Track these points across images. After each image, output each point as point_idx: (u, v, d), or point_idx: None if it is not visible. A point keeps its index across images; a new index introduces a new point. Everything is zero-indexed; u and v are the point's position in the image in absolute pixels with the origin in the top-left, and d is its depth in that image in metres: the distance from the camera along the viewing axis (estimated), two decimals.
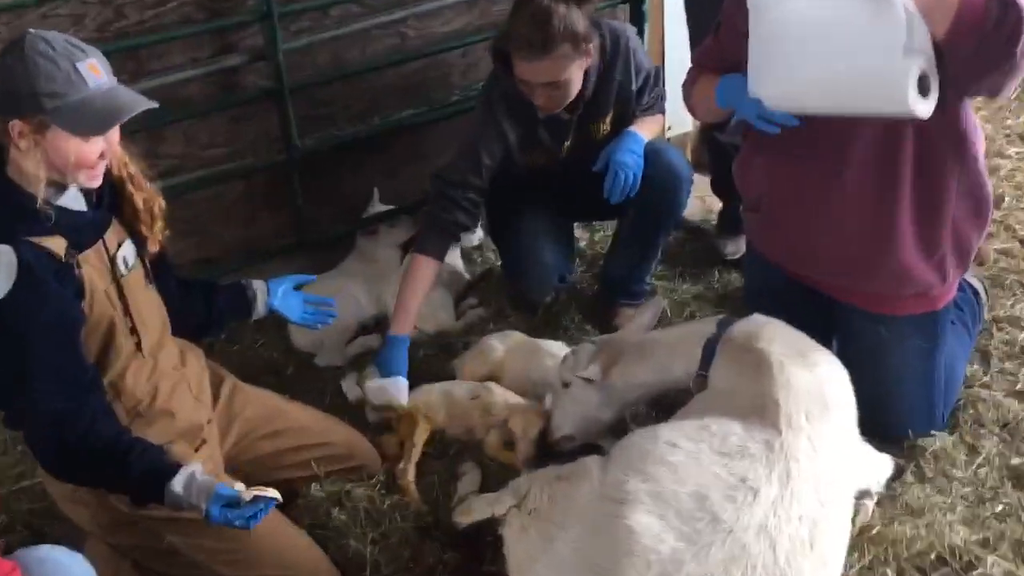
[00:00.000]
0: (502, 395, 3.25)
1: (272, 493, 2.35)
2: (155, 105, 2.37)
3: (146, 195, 2.58)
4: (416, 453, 3.14)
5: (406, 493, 3.02)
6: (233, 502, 2.33)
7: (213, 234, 3.97)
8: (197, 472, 2.37)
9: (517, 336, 3.61)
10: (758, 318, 2.73)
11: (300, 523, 2.88)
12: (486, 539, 2.75)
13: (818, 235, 2.90)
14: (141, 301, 2.57)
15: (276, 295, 3.06)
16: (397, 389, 3.31)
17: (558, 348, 3.44)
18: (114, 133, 2.38)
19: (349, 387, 3.55)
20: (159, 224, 2.62)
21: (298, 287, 3.15)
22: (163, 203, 2.63)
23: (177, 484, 2.34)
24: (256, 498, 2.34)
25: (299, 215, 4.04)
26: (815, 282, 3.06)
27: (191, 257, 3.89)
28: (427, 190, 3.64)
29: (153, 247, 2.62)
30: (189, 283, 2.94)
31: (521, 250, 3.82)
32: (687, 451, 2.33)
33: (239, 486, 2.37)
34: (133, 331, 2.55)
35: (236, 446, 2.91)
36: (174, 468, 2.37)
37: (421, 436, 3.18)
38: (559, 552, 2.31)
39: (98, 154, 2.35)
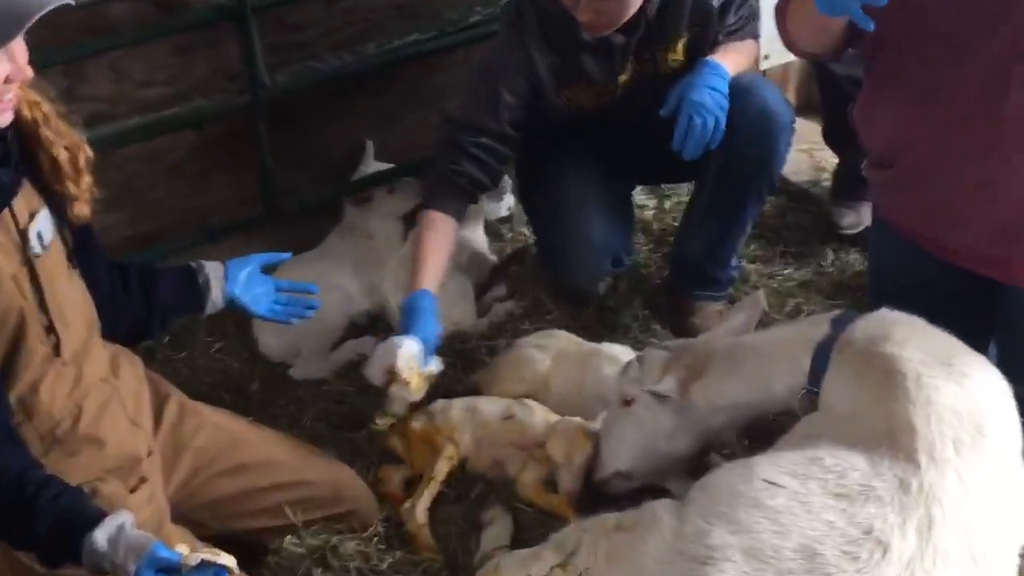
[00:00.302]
0: (544, 416, 3.27)
1: (226, 560, 2.34)
2: (70, 2, 2.34)
3: (68, 142, 2.59)
4: (434, 488, 3.16)
5: (415, 541, 3.03)
6: (172, 568, 2.33)
7: (152, 203, 4.01)
8: (127, 524, 2.38)
9: (563, 338, 3.62)
10: (887, 314, 2.70)
11: None
12: None
13: (973, 192, 2.88)
14: (61, 290, 2.59)
15: (237, 281, 3.08)
16: (408, 350, 3.21)
17: (623, 353, 3.44)
18: (21, 50, 2.38)
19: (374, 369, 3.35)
20: (87, 179, 2.63)
21: (266, 270, 3.18)
22: (91, 153, 2.65)
23: (100, 537, 2.33)
24: (204, 563, 2.33)
25: (267, 177, 4.06)
26: (967, 260, 3.04)
27: (122, 234, 3.93)
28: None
29: (82, 210, 2.63)
30: (123, 268, 2.96)
31: (561, 225, 3.82)
32: (792, 492, 2.31)
33: (182, 548, 2.37)
34: (50, 330, 2.56)
35: (186, 486, 2.92)
36: (97, 517, 2.38)
37: (444, 466, 3.20)
38: None
39: (2, 78, 2.36)
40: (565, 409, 3.34)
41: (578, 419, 3.19)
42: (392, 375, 3.18)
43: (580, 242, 3.79)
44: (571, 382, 3.45)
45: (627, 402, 3.02)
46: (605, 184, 3.86)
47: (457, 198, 3.57)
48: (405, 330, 3.27)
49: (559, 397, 3.42)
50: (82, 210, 2.63)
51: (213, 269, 3.05)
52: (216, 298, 3.04)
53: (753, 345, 2.91)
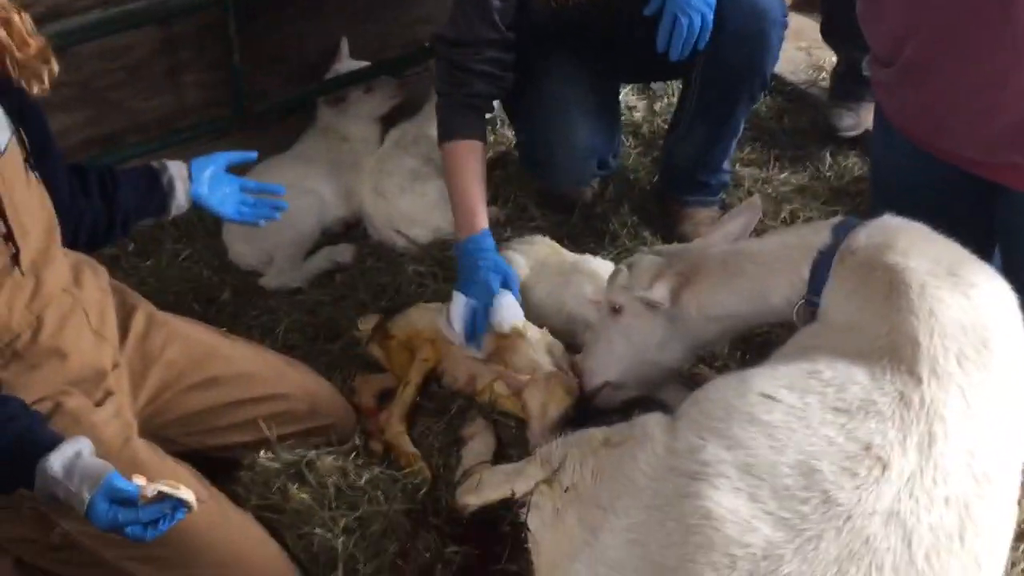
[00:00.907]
0: (522, 335, 3.24)
1: (185, 493, 2.33)
2: None
3: (32, 48, 2.52)
4: (411, 392, 3.17)
5: (393, 450, 3.04)
6: (128, 499, 2.32)
7: (113, 104, 3.95)
8: (85, 451, 2.37)
9: (545, 246, 3.60)
10: (890, 221, 2.69)
11: (244, 505, 2.91)
12: (502, 528, 2.79)
13: (983, 92, 2.86)
14: (19, 196, 2.55)
15: (201, 181, 3.05)
16: (511, 306, 3.25)
17: (605, 268, 3.42)
18: None
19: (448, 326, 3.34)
20: (51, 67, 2.55)
21: (231, 169, 3.14)
22: (56, 65, 2.57)
23: (54, 463, 2.32)
24: (162, 496, 2.32)
25: (236, 76, 4.00)
26: (975, 164, 3.03)
27: (80, 136, 3.88)
28: (417, 39, 3.60)
29: (39, 88, 2.55)
30: (82, 170, 2.92)
31: (544, 126, 3.79)
32: (789, 407, 2.31)
33: (139, 479, 2.35)
34: (8, 238, 2.53)
35: (155, 401, 2.92)
36: (53, 442, 2.36)
37: (420, 368, 3.20)
38: (607, 546, 2.31)
39: None
40: (542, 324, 3.33)
41: (559, 373, 3.14)
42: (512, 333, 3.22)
43: (564, 143, 3.76)
44: (550, 297, 3.45)
45: (616, 310, 3.01)
46: (590, 84, 3.82)
47: (476, 118, 3.55)
48: (475, 275, 3.28)
49: (536, 309, 3.40)
50: (39, 89, 2.55)
51: (176, 169, 3.02)
52: (180, 199, 3.02)
53: (750, 253, 2.89)
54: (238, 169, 3.22)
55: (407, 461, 3.03)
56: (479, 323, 3.23)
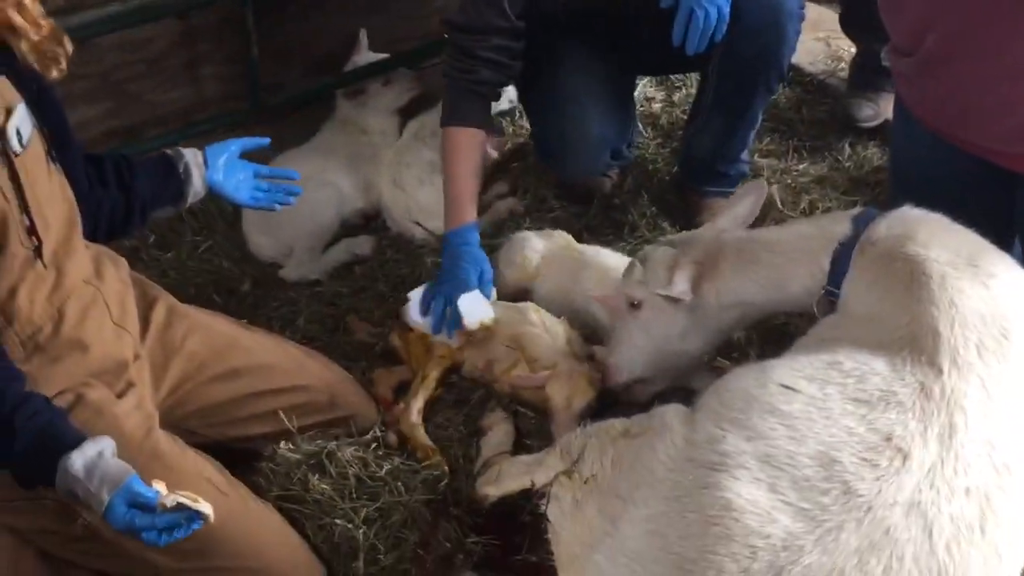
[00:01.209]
0: (541, 322, 3.24)
1: (204, 507, 2.34)
2: None
3: (45, 29, 2.51)
4: (428, 387, 3.17)
5: (410, 443, 3.05)
6: (147, 504, 2.32)
7: (132, 96, 3.96)
8: (107, 451, 2.37)
9: (562, 240, 3.60)
10: (910, 212, 2.68)
11: (265, 496, 2.92)
12: (522, 518, 2.78)
13: (1002, 84, 2.84)
14: (41, 190, 2.56)
15: (216, 167, 3.05)
16: (478, 302, 3.27)
17: (617, 261, 3.41)
18: None
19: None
20: (65, 48, 2.54)
21: (245, 155, 3.15)
22: (70, 45, 2.58)
23: (76, 461, 2.32)
24: (180, 507, 2.33)
25: (254, 69, 4.01)
26: (995, 154, 3.01)
27: (100, 128, 3.89)
28: (435, 31, 3.60)
29: (56, 72, 2.54)
30: (98, 159, 2.92)
31: (556, 115, 3.78)
32: (809, 397, 2.30)
33: (160, 486, 2.36)
34: (31, 232, 2.53)
35: (175, 392, 2.93)
36: (76, 440, 2.37)
37: (436, 366, 3.21)
38: (626, 536, 2.31)
39: None
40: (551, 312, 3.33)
41: (581, 366, 3.14)
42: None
43: (576, 133, 3.76)
44: (559, 285, 3.46)
45: (634, 305, 3.00)
46: (603, 74, 3.81)
47: (481, 106, 3.55)
48: (454, 268, 3.31)
49: (547, 298, 3.43)
50: (56, 73, 2.55)
51: (192, 156, 3.02)
52: (197, 186, 3.02)
53: (769, 242, 2.88)
54: (259, 159, 3.22)
55: (423, 454, 3.03)
56: (453, 316, 3.23)
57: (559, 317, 3.30)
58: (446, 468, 2.99)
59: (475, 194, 3.48)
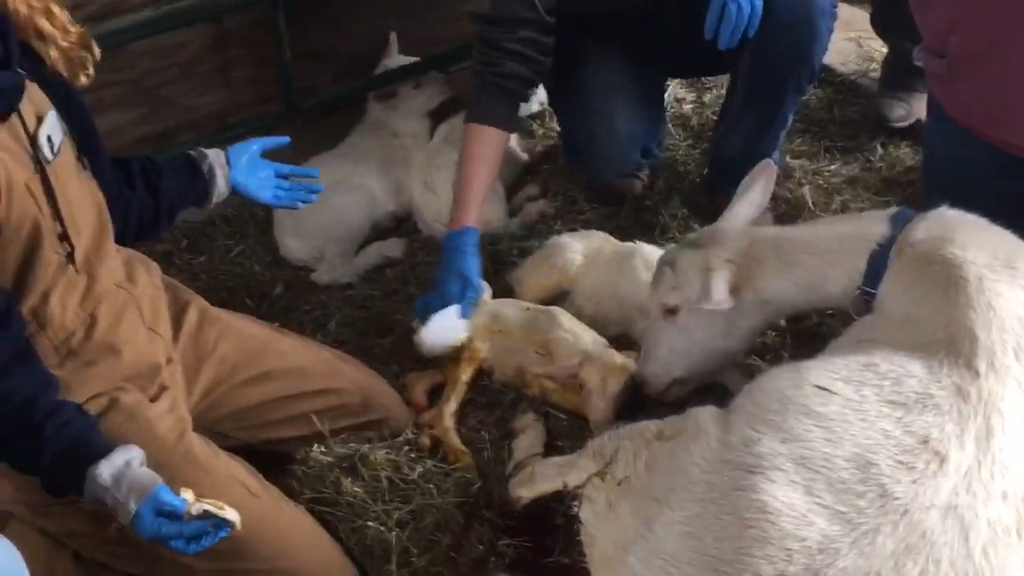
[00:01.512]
0: (571, 328, 3.22)
1: (231, 514, 2.35)
2: None
3: (73, 35, 2.53)
4: (460, 390, 3.17)
5: (442, 445, 3.04)
6: (174, 513, 2.33)
7: (165, 101, 3.97)
8: (136, 460, 2.38)
9: (599, 238, 3.58)
10: (947, 213, 2.66)
11: (297, 498, 2.91)
12: (555, 521, 2.78)
13: None
14: (73, 195, 2.56)
15: (239, 167, 3.06)
16: (449, 326, 3.28)
17: (657, 252, 3.36)
18: None
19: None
20: (93, 53, 2.58)
21: (266, 154, 3.15)
22: (97, 50, 2.60)
23: (104, 471, 2.33)
24: (206, 514, 2.34)
25: (286, 72, 4.01)
26: None
27: (133, 134, 3.90)
28: (466, 34, 3.60)
29: (84, 78, 2.58)
30: (125, 163, 2.92)
31: (583, 113, 3.78)
32: (845, 399, 2.29)
33: (187, 495, 2.37)
34: (63, 238, 2.54)
35: (209, 396, 2.93)
36: (104, 450, 2.37)
37: (468, 367, 3.21)
38: (661, 539, 2.29)
39: None
40: (596, 313, 3.33)
41: (610, 349, 3.15)
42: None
43: (604, 131, 3.75)
44: (603, 284, 3.42)
45: (670, 311, 2.97)
46: (634, 74, 3.81)
47: (505, 103, 3.53)
48: (441, 278, 3.33)
49: (590, 299, 3.40)
50: (81, 78, 2.58)
51: (215, 156, 3.03)
52: (221, 186, 3.03)
53: (805, 242, 2.86)
54: (291, 162, 3.23)
55: (455, 458, 3.03)
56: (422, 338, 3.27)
57: (603, 310, 3.32)
58: (476, 473, 2.98)
59: (480, 195, 3.47)
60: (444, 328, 3.25)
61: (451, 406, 3.15)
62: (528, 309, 3.31)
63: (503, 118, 3.50)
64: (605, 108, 3.73)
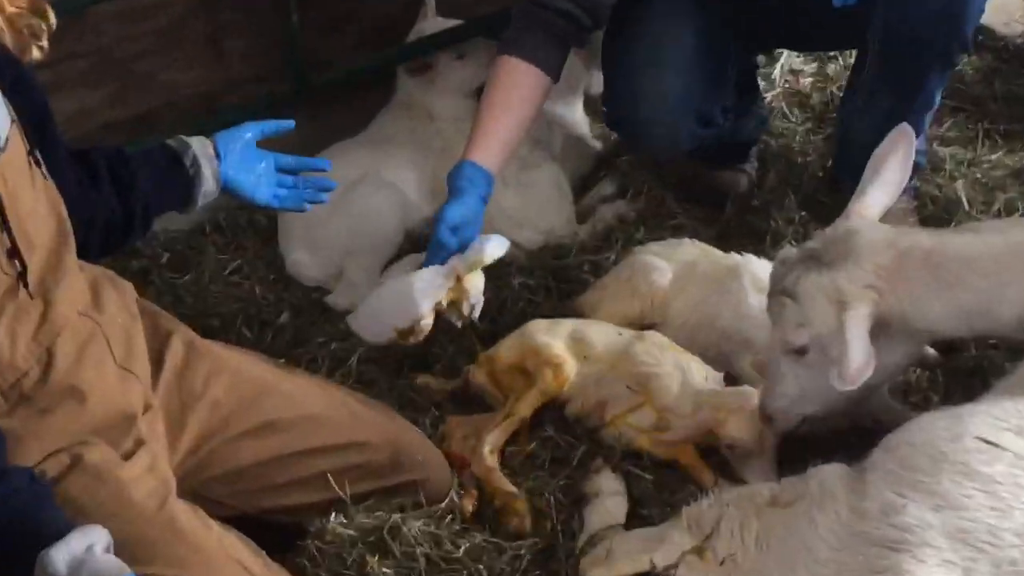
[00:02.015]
0: (674, 357, 3.23)
1: None
2: None
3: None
4: (512, 423, 3.19)
5: (486, 489, 3.08)
6: None
7: (141, 77, 4.02)
8: (99, 545, 2.37)
9: (693, 249, 3.58)
10: None
11: None
12: None
13: None
14: (24, 201, 2.58)
15: (230, 159, 3.07)
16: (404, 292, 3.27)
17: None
18: None
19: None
20: (48, 20, 2.59)
21: (266, 142, 3.17)
22: (53, 17, 2.62)
23: (57, 558, 2.29)
24: None
25: (294, 41, 4.05)
26: None
27: (103, 119, 3.94)
28: None
29: (37, 51, 2.59)
30: (86, 155, 2.94)
31: (629, 72, 3.78)
32: (1016, 456, 2.29)
33: None
34: (13, 254, 2.55)
35: (196, 452, 2.93)
36: (60, 531, 2.34)
37: (534, 398, 3.22)
38: None
39: None
40: (688, 347, 3.33)
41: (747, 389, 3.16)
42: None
43: (652, 92, 3.73)
44: (699, 308, 3.43)
45: (798, 352, 2.95)
46: (701, 32, 3.79)
47: (548, 42, 3.52)
48: (440, 218, 3.33)
49: (682, 327, 3.42)
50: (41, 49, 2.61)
51: (200, 146, 3.04)
52: (209, 184, 3.04)
53: (967, 257, 2.85)
54: (301, 153, 3.24)
55: (502, 501, 3.05)
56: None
57: (697, 343, 3.33)
58: (529, 523, 3.02)
59: (508, 133, 3.46)
60: (397, 294, 3.26)
61: (495, 437, 3.17)
62: (621, 334, 3.33)
63: (542, 57, 3.49)
64: (654, 67, 3.72)
